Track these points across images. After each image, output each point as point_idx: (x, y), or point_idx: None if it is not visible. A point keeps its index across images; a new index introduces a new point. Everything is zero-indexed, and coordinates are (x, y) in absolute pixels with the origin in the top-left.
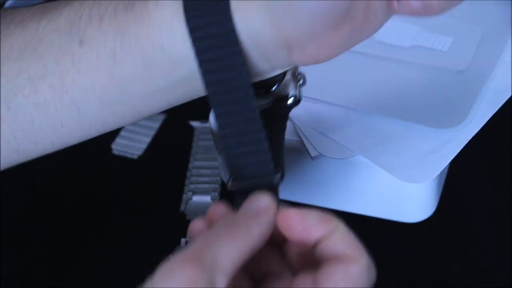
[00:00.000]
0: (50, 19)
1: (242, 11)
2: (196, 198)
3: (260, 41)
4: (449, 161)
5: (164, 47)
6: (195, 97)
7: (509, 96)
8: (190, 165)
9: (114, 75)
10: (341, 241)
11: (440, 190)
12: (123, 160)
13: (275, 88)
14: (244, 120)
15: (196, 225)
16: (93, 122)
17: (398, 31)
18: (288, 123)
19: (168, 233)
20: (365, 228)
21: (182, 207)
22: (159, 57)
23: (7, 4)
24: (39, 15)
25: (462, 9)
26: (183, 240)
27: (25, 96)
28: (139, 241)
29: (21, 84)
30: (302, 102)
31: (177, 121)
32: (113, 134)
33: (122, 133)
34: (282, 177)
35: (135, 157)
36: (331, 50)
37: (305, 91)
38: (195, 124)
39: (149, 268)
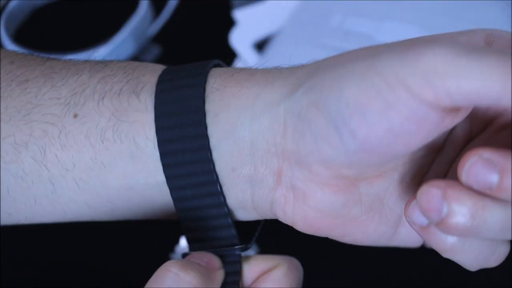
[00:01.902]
0: (52, 86)
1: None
2: None
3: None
4: None
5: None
6: (173, 218)
7: None
8: None
9: (98, 158)
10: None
11: None
12: None
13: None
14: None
15: None
16: (66, 208)
17: (397, 32)
18: None
19: (162, 238)
20: None
21: None
22: (147, 156)
23: (9, 5)
24: (43, 79)
25: (461, 9)
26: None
27: (6, 163)
28: (133, 247)
29: (5, 149)
30: None
31: None
32: None
33: None
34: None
35: None
36: (316, 230)
37: None
38: None
39: (144, 274)
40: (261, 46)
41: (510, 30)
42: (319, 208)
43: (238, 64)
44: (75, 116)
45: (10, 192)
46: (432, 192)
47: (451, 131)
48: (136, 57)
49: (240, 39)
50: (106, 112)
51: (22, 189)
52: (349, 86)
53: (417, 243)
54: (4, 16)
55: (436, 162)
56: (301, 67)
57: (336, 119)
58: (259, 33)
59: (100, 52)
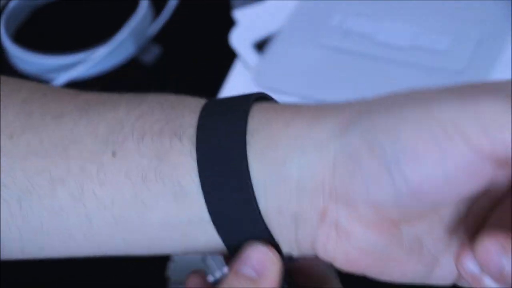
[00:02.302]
0: (89, 121)
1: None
2: None
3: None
4: None
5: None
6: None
7: None
8: None
9: (138, 196)
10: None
11: None
12: None
13: None
14: None
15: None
16: (102, 243)
17: (396, 32)
18: None
19: None
20: None
21: None
22: (191, 197)
23: (10, 5)
24: (78, 113)
25: (460, 8)
26: None
27: (41, 198)
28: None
29: (39, 184)
30: (302, 102)
31: None
32: None
33: None
34: None
35: None
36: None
37: (305, 91)
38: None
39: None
40: (261, 46)
41: (509, 30)
42: (362, 247)
43: (237, 64)
44: (114, 154)
45: (43, 226)
46: (491, 246)
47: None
48: (136, 57)
49: (240, 39)
50: (147, 152)
51: (57, 223)
52: (406, 130)
53: (450, 282)
54: (4, 16)
55: (476, 205)
56: (350, 104)
57: (391, 162)
58: (259, 33)
59: (100, 52)
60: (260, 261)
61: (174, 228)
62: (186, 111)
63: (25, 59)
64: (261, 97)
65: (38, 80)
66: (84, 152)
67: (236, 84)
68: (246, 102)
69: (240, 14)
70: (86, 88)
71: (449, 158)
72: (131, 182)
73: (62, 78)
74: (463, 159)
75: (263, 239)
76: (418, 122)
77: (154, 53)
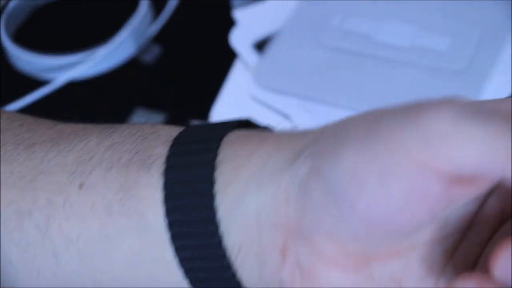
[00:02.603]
0: (60, 152)
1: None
2: None
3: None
4: None
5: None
6: None
7: (508, 95)
8: None
9: (103, 231)
10: None
11: None
12: None
13: None
14: None
15: None
16: (71, 283)
17: (396, 31)
18: (288, 123)
19: None
20: None
21: None
22: (156, 233)
23: (9, 5)
24: (50, 143)
25: (460, 9)
26: None
27: (9, 231)
28: None
29: (7, 217)
30: (302, 102)
31: (177, 121)
32: None
33: None
34: None
35: None
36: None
37: (305, 91)
38: (195, 124)
39: None
40: (261, 46)
41: (509, 30)
42: None
43: (237, 64)
44: (81, 186)
45: (12, 263)
46: None
47: (481, 208)
48: (136, 57)
49: (240, 39)
50: (113, 184)
51: (25, 260)
52: (349, 151)
53: None
54: (4, 16)
55: (465, 242)
56: (311, 130)
57: (335, 188)
58: (259, 33)
59: (100, 52)
60: None
61: (139, 268)
62: (158, 142)
63: (25, 59)
64: (243, 123)
65: (38, 80)
66: (52, 184)
67: (236, 84)
68: (220, 132)
69: (240, 14)
70: (86, 88)
71: (392, 176)
72: (97, 216)
73: (62, 78)
74: (407, 176)
75: (229, 279)
76: (361, 142)
77: (154, 53)
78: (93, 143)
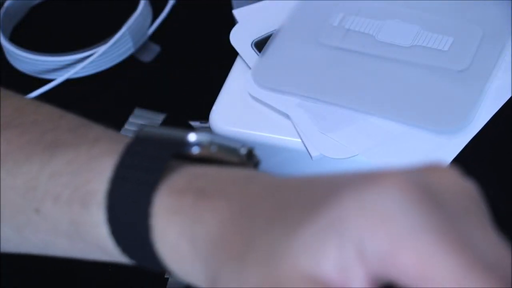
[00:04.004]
0: (8, 172)
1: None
2: None
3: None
4: (449, 161)
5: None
6: None
7: (509, 96)
8: None
9: (74, 247)
10: None
11: None
12: None
13: None
14: None
15: None
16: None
17: (398, 31)
18: (288, 123)
19: None
20: None
21: None
22: (114, 256)
23: (6, 4)
24: None
25: (462, 9)
26: None
27: None
28: None
29: None
30: (302, 102)
31: (177, 121)
32: None
33: (122, 133)
34: None
35: None
36: None
37: (305, 90)
38: (195, 124)
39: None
40: (261, 45)
41: (510, 30)
42: None
43: (237, 63)
44: (37, 211)
45: None
46: None
47: None
48: (135, 56)
49: (240, 38)
50: (64, 217)
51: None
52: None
53: None
54: (0, 14)
55: None
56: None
57: None
58: (259, 33)
59: (99, 51)
60: None
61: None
62: (92, 174)
63: (23, 58)
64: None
65: (37, 79)
66: (10, 204)
67: (236, 84)
68: (158, 166)
69: (240, 14)
70: (85, 87)
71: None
72: (61, 236)
73: (61, 77)
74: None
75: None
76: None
77: (153, 52)
78: (35, 168)
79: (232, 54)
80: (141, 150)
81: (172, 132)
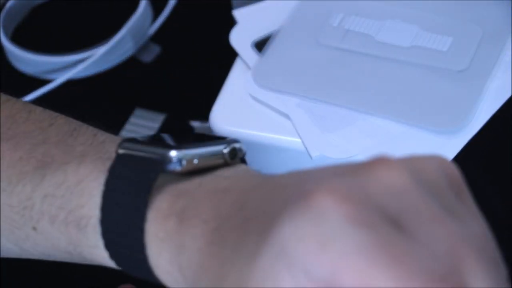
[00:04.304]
0: (3, 191)
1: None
2: None
3: None
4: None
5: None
6: None
7: (509, 96)
8: None
9: (75, 260)
10: None
11: None
12: None
13: None
14: None
15: None
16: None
17: (397, 31)
18: (288, 123)
19: None
20: None
21: None
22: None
23: (8, 4)
24: None
25: (462, 9)
26: None
27: None
28: None
29: None
30: (302, 102)
31: (177, 121)
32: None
33: (123, 133)
34: None
35: None
36: None
37: (305, 91)
38: (195, 124)
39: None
40: (261, 46)
41: (510, 30)
42: None
43: (237, 64)
44: (34, 229)
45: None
46: None
47: None
48: (136, 57)
49: (240, 39)
50: (62, 237)
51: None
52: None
53: None
54: (2, 15)
55: None
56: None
57: None
58: (259, 33)
59: (100, 52)
60: None
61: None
62: (84, 199)
63: (24, 59)
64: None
65: (37, 80)
66: (8, 220)
67: (236, 84)
68: (144, 189)
69: (240, 14)
70: (85, 87)
71: None
72: (61, 252)
73: (62, 78)
74: None
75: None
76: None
77: (153, 52)
78: (28, 189)
79: (232, 54)
80: (127, 172)
81: (153, 150)
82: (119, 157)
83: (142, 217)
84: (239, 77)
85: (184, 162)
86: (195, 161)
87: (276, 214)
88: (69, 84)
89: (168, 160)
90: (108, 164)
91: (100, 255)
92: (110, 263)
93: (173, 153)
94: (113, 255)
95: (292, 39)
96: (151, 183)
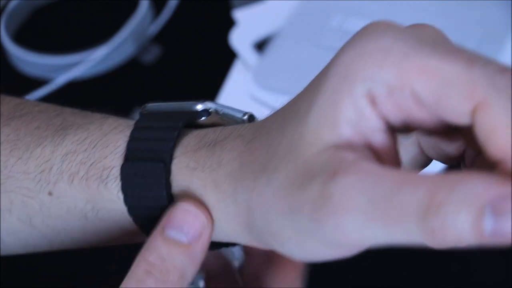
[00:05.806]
0: (19, 158)
1: None
2: None
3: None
4: None
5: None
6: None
7: None
8: None
9: (87, 229)
10: None
11: None
12: None
13: None
14: None
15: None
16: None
17: None
18: None
19: None
20: None
21: None
22: (132, 225)
23: (10, 5)
24: (9, 146)
25: (461, 9)
26: None
27: None
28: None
29: None
30: None
31: None
32: None
33: None
34: None
35: None
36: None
37: None
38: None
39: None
40: (261, 46)
41: (509, 30)
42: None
43: (237, 64)
44: (50, 193)
45: (4, 244)
46: None
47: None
48: (136, 57)
49: (240, 39)
50: (80, 195)
51: (15, 241)
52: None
53: None
54: (4, 16)
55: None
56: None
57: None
58: (259, 33)
59: (100, 52)
60: (191, 224)
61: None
62: (108, 151)
63: (25, 59)
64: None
65: (38, 80)
66: (22, 189)
67: (236, 84)
68: (171, 135)
69: (240, 14)
70: (86, 88)
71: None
72: (76, 217)
73: (62, 78)
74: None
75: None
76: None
77: (154, 53)
78: (48, 150)
79: (232, 54)
80: (152, 123)
81: (178, 104)
82: (143, 115)
83: (169, 152)
84: (239, 77)
85: (212, 110)
86: (221, 112)
87: (324, 75)
88: (70, 84)
89: (195, 109)
90: (132, 123)
91: (119, 209)
92: (128, 220)
93: (199, 106)
94: (133, 201)
95: (292, 40)
96: (179, 126)
